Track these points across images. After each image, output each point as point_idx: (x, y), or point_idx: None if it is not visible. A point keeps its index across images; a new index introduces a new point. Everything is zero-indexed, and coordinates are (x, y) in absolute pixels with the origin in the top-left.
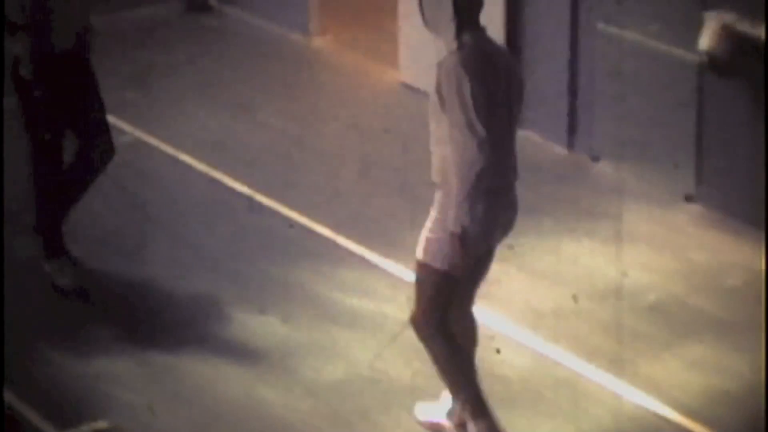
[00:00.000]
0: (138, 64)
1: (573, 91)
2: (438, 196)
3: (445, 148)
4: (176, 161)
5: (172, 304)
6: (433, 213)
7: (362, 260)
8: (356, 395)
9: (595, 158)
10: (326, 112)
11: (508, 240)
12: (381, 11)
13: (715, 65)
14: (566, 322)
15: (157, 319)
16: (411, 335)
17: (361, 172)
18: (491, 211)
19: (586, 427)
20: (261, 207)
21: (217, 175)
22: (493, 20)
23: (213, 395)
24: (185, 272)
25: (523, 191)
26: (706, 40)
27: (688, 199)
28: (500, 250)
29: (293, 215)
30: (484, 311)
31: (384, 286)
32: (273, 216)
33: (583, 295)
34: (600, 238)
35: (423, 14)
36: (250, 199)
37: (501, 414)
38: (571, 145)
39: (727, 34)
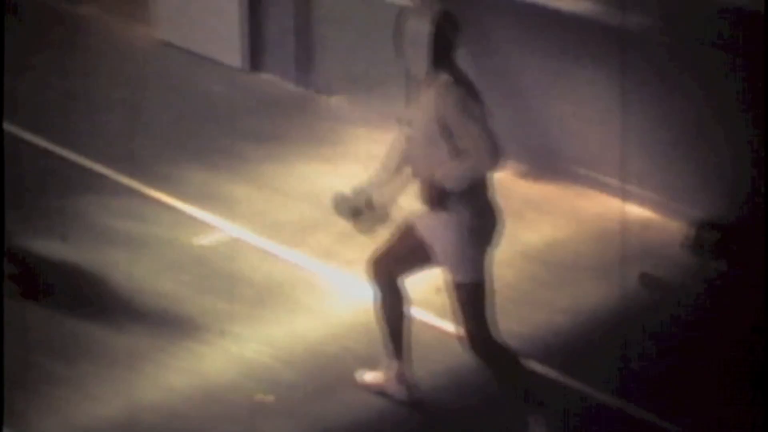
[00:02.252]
0: None
1: (300, 37)
2: (438, 221)
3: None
4: None
5: None
6: (438, 243)
7: (130, 190)
8: (140, 309)
9: (321, 92)
10: (95, 69)
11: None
12: None
13: None
14: (308, 232)
15: None
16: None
17: (129, 118)
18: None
19: (332, 320)
20: (45, 151)
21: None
22: None
23: None
24: None
25: (264, 124)
26: None
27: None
28: (242, 169)
29: (72, 156)
30: (233, 227)
31: (151, 212)
32: (54, 158)
33: (323, 208)
34: (332, 160)
35: (399, 46)
36: (33, 146)
37: (254, 313)
38: (300, 82)
39: None
